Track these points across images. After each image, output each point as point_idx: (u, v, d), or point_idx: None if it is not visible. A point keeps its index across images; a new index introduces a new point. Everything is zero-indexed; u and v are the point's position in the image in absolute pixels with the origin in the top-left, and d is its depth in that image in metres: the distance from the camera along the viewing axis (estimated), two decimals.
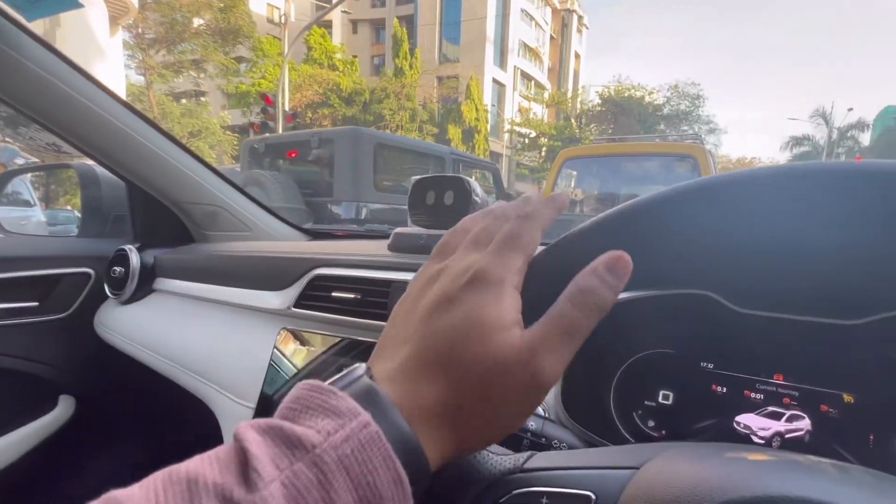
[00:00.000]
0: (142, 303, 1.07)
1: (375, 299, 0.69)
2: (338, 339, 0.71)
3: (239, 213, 1.26)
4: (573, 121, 23.00)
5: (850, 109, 35.13)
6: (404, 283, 0.69)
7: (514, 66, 26.88)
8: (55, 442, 1.07)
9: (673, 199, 0.31)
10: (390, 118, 18.16)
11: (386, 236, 1.53)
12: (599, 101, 22.14)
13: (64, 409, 1.10)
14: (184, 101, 19.76)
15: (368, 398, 0.22)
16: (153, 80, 15.74)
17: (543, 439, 0.41)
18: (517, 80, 27.21)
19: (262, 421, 0.21)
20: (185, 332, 0.94)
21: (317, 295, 0.75)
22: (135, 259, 1.06)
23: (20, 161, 5.53)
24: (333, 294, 0.72)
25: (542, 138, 22.63)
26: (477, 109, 20.53)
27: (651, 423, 0.50)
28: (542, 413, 0.54)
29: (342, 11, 22.00)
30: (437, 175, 0.73)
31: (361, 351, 0.69)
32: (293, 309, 0.77)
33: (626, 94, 21.21)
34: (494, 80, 25.23)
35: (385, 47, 23.93)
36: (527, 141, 23.78)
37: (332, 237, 1.44)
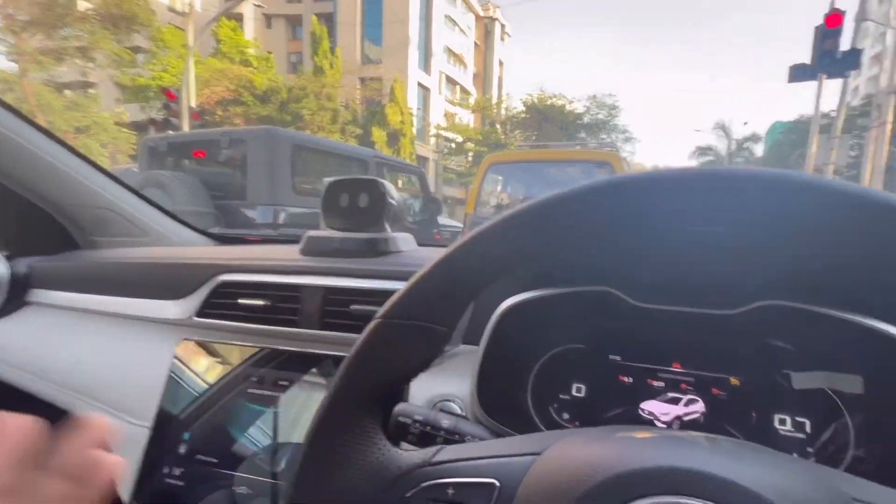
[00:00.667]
0: (13, 318, 0.96)
1: (286, 305, 0.68)
2: (250, 349, 0.69)
3: (132, 216, 1.17)
4: (498, 127, 23.82)
5: (746, 123, 39.73)
6: (316, 288, 0.69)
7: (440, 71, 27.34)
8: None
9: (570, 199, 0.34)
10: (310, 119, 17.64)
11: (299, 241, 1.50)
12: (524, 109, 23.14)
13: None
14: (68, 92, 17.84)
15: None
16: (28, 67, 14.04)
17: (457, 436, 0.43)
18: (442, 85, 27.69)
19: None
20: (68, 349, 0.86)
21: (222, 303, 0.73)
22: (2, 269, 0.95)
23: None
24: (240, 301, 0.70)
25: (469, 143, 23.18)
26: (402, 112, 20.58)
27: (566, 416, 0.55)
28: (458, 411, 0.57)
29: (254, 5, 21.13)
30: (350, 177, 0.74)
31: (274, 360, 0.68)
32: (195, 318, 0.74)
33: (548, 103, 22.35)
34: (419, 84, 25.48)
35: (303, 45, 23.26)
36: (454, 145, 24.23)
37: (243, 242, 1.38)
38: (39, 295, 0.96)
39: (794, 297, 0.45)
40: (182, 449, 0.65)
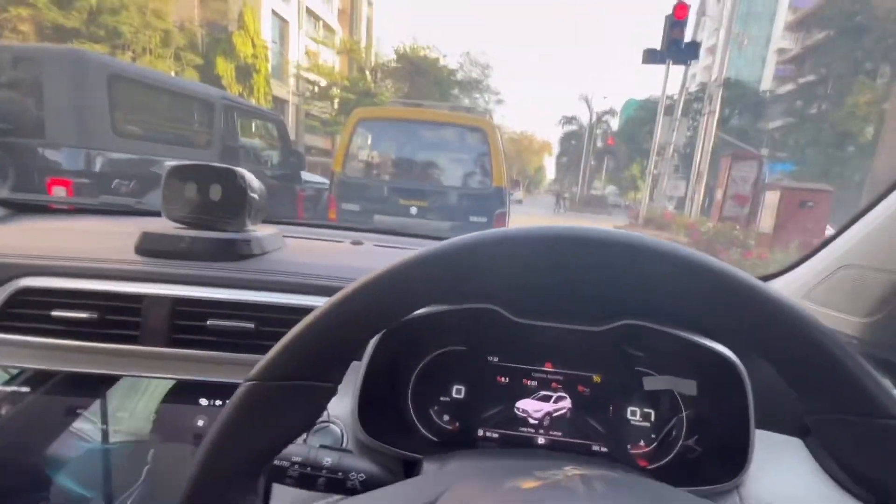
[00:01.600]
0: None
1: (121, 318, 0.60)
2: (67, 374, 0.59)
3: None
4: (368, 74, 23.00)
5: (605, 97, 44.51)
6: (162, 298, 0.61)
7: (299, 1, 25.20)
8: None
9: (475, 245, 0.37)
10: (132, 37, 15.03)
11: (131, 212, 1.31)
12: (395, 58, 22.61)
13: None
14: None
15: None
16: None
17: (339, 473, 0.43)
18: (302, 18, 25.60)
19: None
20: None
21: (24, 314, 0.60)
22: None
23: None
24: (54, 313, 0.59)
25: (335, 88, 22.04)
26: (254, 44, 18.62)
27: (446, 417, 0.60)
28: (338, 433, 0.57)
29: None
30: (197, 163, 0.66)
31: (91, 385, 0.59)
32: None
33: (421, 54, 22.15)
34: (274, 13, 23.20)
35: None
36: (317, 90, 22.83)
37: (48, 212, 1.16)
38: None
39: (647, 318, 0.55)
40: None
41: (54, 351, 0.61)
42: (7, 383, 0.60)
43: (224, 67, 17.51)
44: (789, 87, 25.24)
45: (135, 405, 0.60)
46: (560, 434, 0.59)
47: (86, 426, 0.58)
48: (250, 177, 0.68)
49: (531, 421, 0.59)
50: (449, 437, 0.59)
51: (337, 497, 0.40)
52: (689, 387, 0.59)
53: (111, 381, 0.60)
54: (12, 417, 0.59)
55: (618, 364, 0.60)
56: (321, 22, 27.88)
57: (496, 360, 0.61)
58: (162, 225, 0.68)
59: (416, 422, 0.59)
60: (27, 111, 3.82)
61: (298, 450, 0.45)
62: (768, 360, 0.34)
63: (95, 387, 0.60)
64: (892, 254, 0.65)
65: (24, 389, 0.59)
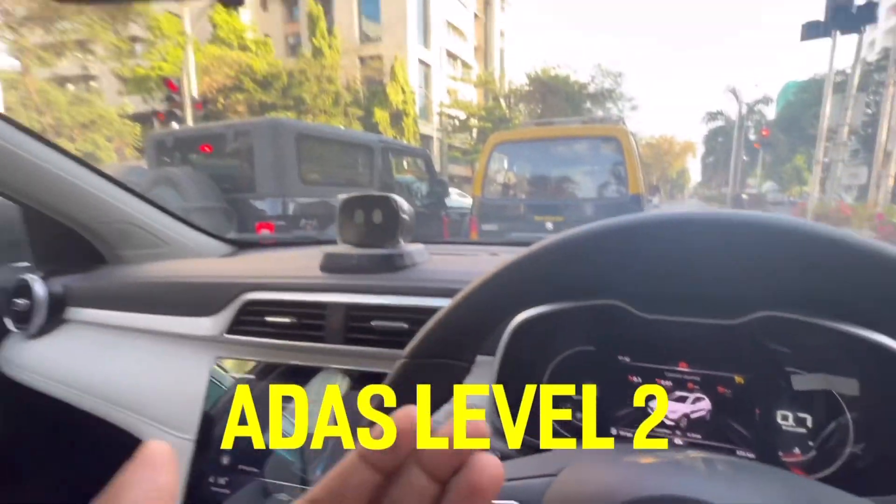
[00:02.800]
0: (53, 336, 1.02)
1: (311, 322, 0.73)
2: (281, 364, 0.74)
3: (153, 227, 1.22)
4: (502, 101, 23.43)
5: (757, 85, 38.73)
6: (339, 305, 0.73)
7: (440, 46, 26.80)
8: None
9: (599, 234, 0.38)
10: (312, 103, 17.49)
11: (315, 242, 1.54)
12: (527, 82, 22.70)
13: None
14: (70, 86, 17.83)
15: None
16: (30, 64, 14.03)
17: None
18: (443, 60, 27.17)
19: None
20: (107, 364, 0.92)
21: (250, 320, 0.77)
22: (40, 289, 1.01)
23: None
24: (268, 319, 0.75)
25: (473, 119, 22.87)
26: (404, 91, 20.29)
27: (578, 415, 0.58)
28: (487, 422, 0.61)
29: None
30: (364, 194, 0.78)
31: (303, 374, 0.72)
32: (226, 335, 0.78)
33: (552, 74, 21.89)
34: (420, 61, 25.02)
35: (300, 26, 22.87)
36: (457, 123, 23.92)
37: (259, 247, 1.43)
38: (75, 313, 1.02)
39: (792, 309, 0.47)
40: (225, 460, 0.71)
41: (269, 348, 0.76)
42: (240, 372, 0.77)
43: (380, 116, 19.36)
44: None
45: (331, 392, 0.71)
46: (699, 437, 0.53)
47: (290, 405, 0.71)
48: (401, 201, 0.78)
49: (666, 422, 0.55)
50: (581, 435, 0.56)
51: None
52: (849, 386, 0.49)
53: (315, 372, 0.72)
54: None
55: (761, 362, 0.52)
56: (459, 60, 29.27)
57: (627, 359, 0.57)
58: (339, 247, 0.81)
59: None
60: (243, 173, 4.70)
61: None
62: None
63: (302, 377, 0.73)
64: None
65: (251, 376, 0.75)
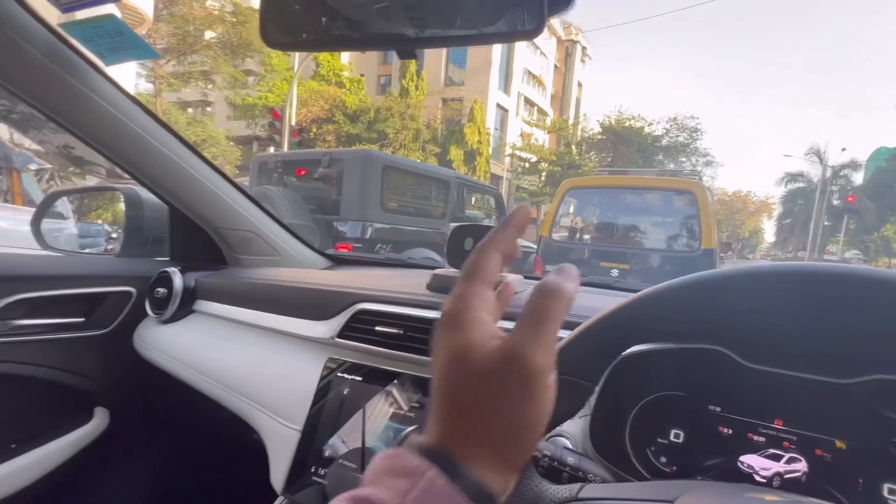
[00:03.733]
0: (181, 323, 1.14)
1: (417, 335, 0.76)
2: (383, 371, 0.78)
3: (270, 238, 1.34)
4: (573, 147, 23.37)
5: (844, 149, 36.06)
6: None
7: (518, 93, 27.41)
8: (89, 454, 1.13)
9: (719, 281, 0.39)
10: (394, 137, 18.40)
11: (403, 265, 1.61)
12: (600, 130, 22.56)
13: (99, 420, 1.15)
14: (190, 110, 20.01)
15: (430, 452, 0.25)
16: (162, 88, 15.96)
17: (581, 473, 0.47)
18: (520, 106, 27.71)
19: (352, 494, 0.25)
20: (227, 353, 1.01)
21: (359, 328, 0.82)
22: (178, 281, 1.13)
23: (33, 166, 5.61)
24: (377, 328, 0.80)
25: (543, 163, 22.95)
26: (479, 132, 20.85)
27: (663, 459, 0.55)
28: (569, 446, 0.61)
29: None
30: (474, 224, 0.82)
31: (407, 383, 0.76)
32: (337, 339, 0.84)
33: (626, 124, 21.63)
34: (498, 105, 25.68)
35: (392, 68, 24.39)
36: (527, 165, 24.10)
37: (354, 264, 1.52)
38: (203, 305, 1.13)
39: None
40: (327, 452, 0.75)
41: (376, 356, 0.81)
42: (347, 374, 0.82)
43: (455, 153, 19.96)
44: None
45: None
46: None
47: (397, 413, 0.74)
48: None
49: (757, 479, 0.50)
50: (666, 479, 0.54)
51: (579, 484, 0.44)
52: None
53: (418, 382, 0.76)
54: (347, 398, 0.79)
55: (869, 429, 0.47)
56: (535, 107, 29.73)
57: (718, 409, 0.53)
58: (447, 270, 0.85)
59: (632, 457, 0.55)
60: (329, 196, 5.00)
61: (547, 446, 0.49)
62: None
63: (407, 385, 0.76)
64: None
65: (358, 379, 0.80)
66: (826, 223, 30.89)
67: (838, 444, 0.49)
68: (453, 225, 0.82)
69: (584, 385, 0.42)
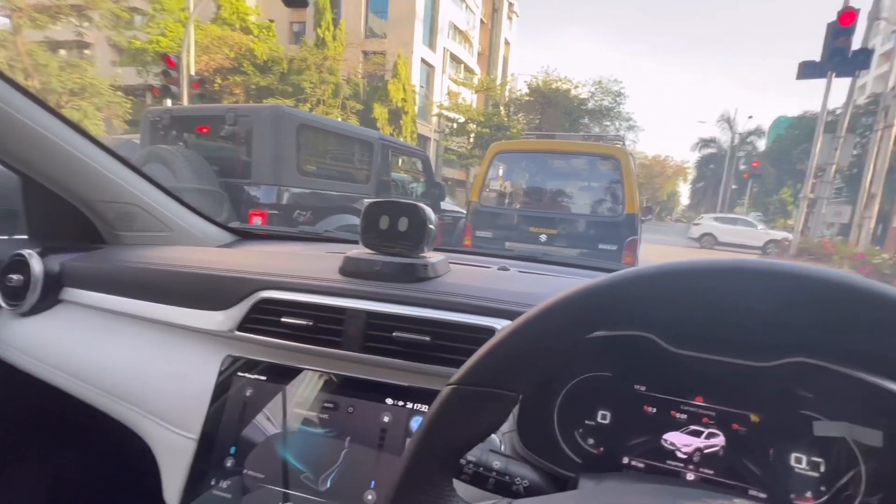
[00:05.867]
0: (46, 316, 0.98)
1: (328, 326, 0.71)
2: (291, 368, 0.72)
3: (159, 212, 1.19)
4: (502, 108, 23.55)
5: (751, 117, 39.78)
6: (359, 312, 0.71)
7: (444, 48, 26.84)
8: None
9: (653, 276, 0.38)
10: (311, 91, 17.37)
11: (318, 238, 1.51)
12: (528, 91, 22.86)
13: None
14: (63, 52, 17.45)
15: None
16: (22, 24, 13.68)
17: (507, 477, 0.46)
18: (447, 63, 27.23)
19: None
20: (104, 351, 0.89)
21: (263, 318, 0.75)
22: (37, 266, 0.97)
23: None
24: (283, 319, 0.73)
25: (471, 124, 22.92)
26: (405, 89, 20.25)
27: (591, 441, 0.58)
28: (497, 444, 0.60)
29: None
30: (391, 200, 0.76)
31: (318, 381, 0.71)
32: (237, 332, 0.76)
33: (553, 86, 22.08)
34: (423, 61, 25.03)
35: (306, 14, 22.72)
36: (455, 126, 23.96)
37: (261, 238, 1.40)
38: (72, 294, 0.98)
39: (825, 358, 0.47)
40: (229, 462, 0.69)
41: (282, 350, 0.74)
42: (250, 372, 0.74)
43: (379, 112, 19.31)
44: None
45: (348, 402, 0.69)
46: (712, 472, 0.53)
47: (309, 415, 0.69)
48: (429, 211, 0.76)
49: (679, 455, 0.55)
50: (593, 461, 0.56)
51: (506, 500, 0.43)
52: (872, 437, 0.50)
53: (331, 379, 0.70)
54: (254, 401, 0.72)
55: (781, 404, 0.53)
56: (462, 65, 29.37)
57: (643, 388, 0.57)
58: (361, 252, 0.79)
59: (560, 441, 0.58)
60: (239, 157, 4.63)
61: (472, 451, 0.48)
62: None
63: (317, 382, 0.70)
64: None
65: (262, 378, 0.73)
66: (734, 187, 34.23)
67: (753, 417, 0.53)
68: (367, 200, 0.76)
69: (509, 396, 0.39)
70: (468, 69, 29.89)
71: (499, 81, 27.17)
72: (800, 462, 0.52)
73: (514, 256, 1.31)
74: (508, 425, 0.57)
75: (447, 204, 7.41)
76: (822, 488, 0.51)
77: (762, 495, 0.52)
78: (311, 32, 20.19)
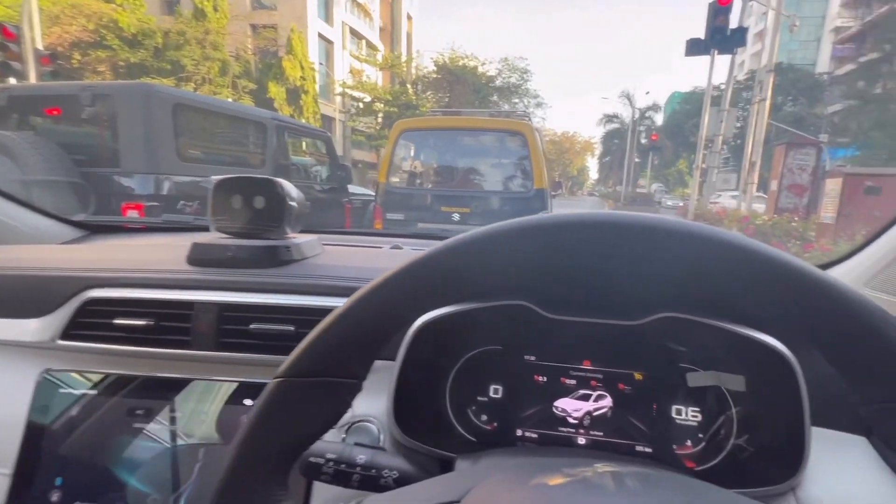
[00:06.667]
0: None
1: (174, 324, 0.63)
2: (128, 377, 0.63)
3: None
4: (409, 87, 23.35)
5: (647, 93, 43.18)
6: (209, 305, 0.64)
7: (343, 22, 25.94)
8: None
9: (506, 233, 0.36)
10: (193, 69, 15.98)
11: (187, 228, 1.38)
12: (435, 69, 22.84)
13: None
14: None
15: None
16: None
17: (373, 471, 0.44)
18: (346, 38, 26.36)
19: None
20: None
21: (93, 322, 0.65)
22: None
23: None
24: (116, 321, 0.63)
25: (378, 103, 22.50)
26: (302, 66, 19.30)
27: (484, 417, 0.58)
28: (375, 432, 0.58)
29: None
30: (242, 176, 0.69)
31: (158, 390, 0.62)
32: (60, 342, 0.65)
33: (460, 63, 22.25)
34: (320, 36, 24.02)
35: None
36: (361, 105, 23.38)
37: (117, 231, 1.24)
38: None
39: (688, 310, 0.51)
40: (55, 497, 0.59)
41: (118, 357, 0.65)
42: (81, 388, 0.64)
43: (276, 91, 18.26)
44: (849, 67, 23.41)
45: (203, 408, 0.63)
46: (601, 434, 0.56)
47: (153, 428, 0.61)
48: (289, 186, 0.70)
49: (571, 420, 0.57)
50: (487, 437, 0.57)
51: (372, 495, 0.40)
52: (736, 382, 0.54)
53: (178, 385, 0.63)
54: (84, 420, 0.63)
55: (660, 360, 0.57)
56: (364, 41, 28.61)
57: (533, 358, 0.59)
58: (211, 236, 0.71)
59: (453, 421, 0.58)
60: (105, 143, 4.14)
61: (333, 447, 0.45)
62: (819, 348, 0.32)
63: (161, 391, 0.63)
64: None
65: (93, 392, 0.63)
66: (637, 160, 37.06)
67: (637, 375, 0.57)
68: (214, 178, 0.68)
69: (346, 384, 0.36)
70: (371, 45, 29.19)
71: (404, 58, 26.83)
72: (680, 414, 0.56)
73: (416, 235, 1.28)
74: (384, 409, 0.55)
75: (355, 187, 7.24)
76: (700, 435, 0.55)
77: (648, 450, 0.55)
78: (187, 3, 18.47)
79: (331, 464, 0.44)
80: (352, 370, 0.37)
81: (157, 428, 0.61)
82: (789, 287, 0.31)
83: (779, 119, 19.04)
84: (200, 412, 0.62)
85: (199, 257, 0.70)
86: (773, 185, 9.85)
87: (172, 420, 0.61)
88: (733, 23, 9.68)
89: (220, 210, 0.70)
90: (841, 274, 0.82)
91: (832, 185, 7.44)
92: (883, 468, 0.51)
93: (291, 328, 0.62)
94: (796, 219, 8.08)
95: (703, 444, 0.55)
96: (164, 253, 0.78)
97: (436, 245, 0.36)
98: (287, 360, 0.36)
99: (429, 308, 0.37)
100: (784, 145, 9.80)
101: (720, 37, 9.61)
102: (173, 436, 0.60)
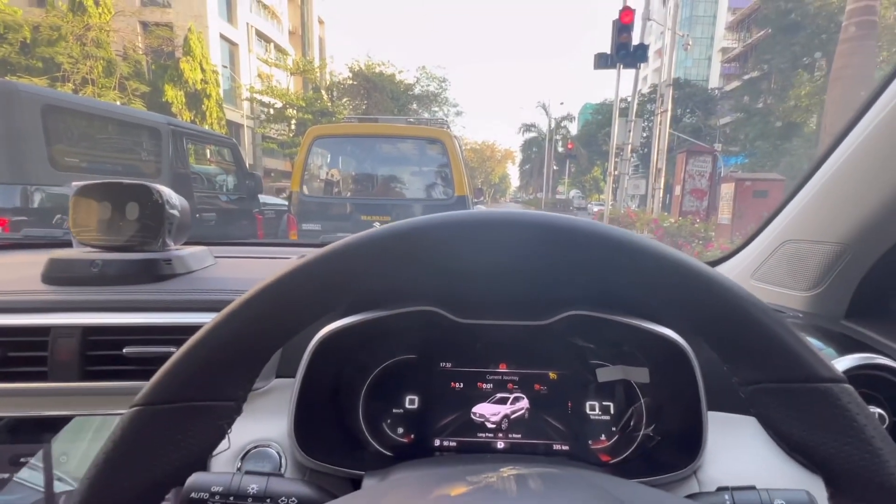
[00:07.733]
0: None
1: (27, 354, 0.55)
2: None
3: None
4: (324, 93, 22.91)
5: (562, 103, 45.80)
6: (71, 329, 0.56)
7: (248, 24, 25.00)
8: None
9: (406, 234, 0.35)
10: (71, 68, 14.57)
11: (54, 245, 1.24)
12: (350, 75, 22.62)
13: None
14: None
15: None
16: None
17: (268, 500, 0.40)
18: (252, 40, 25.40)
19: None
20: None
21: None
22: None
23: None
24: None
25: (291, 109, 21.84)
26: (203, 69, 18.28)
27: (400, 430, 0.58)
28: (276, 457, 0.53)
29: None
30: (110, 181, 0.62)
31: (32, 431, 0.54)
32: None
33: (376, 70, 22.22)
34: (223, 37, 22.95)
35: None
36: (272, 111, 22.57)
37: None
38: None
39: (593, 307, 0.53)
40: None
41: None
42: None
43: (173, 94, 17.12)
44: (735, 83, 26.37)
45: (81, 447, 0.55)
46: (519, 436, 0.57)
47: (29, 474, 0.53)
48: (169, 192, 0.64)
49: (489, 425, 0.58)
50: (404, 450, 0.56)
51: None
52: (641, 374, 0.58)
53: (55, 424, 0.55)
54: None
55: (571, 358, 0.59)
56: (272, 44, 27.73)
57: (449, 365, 0.59)
58: (72, 251, 0.63)
59: (368, 437, 0.57)
60: None
61: (220, 479, 0.41)
62: (703, 336, 0.34)
63: (35, 432, 0.55)
64: (825, 224, 0.67)
65: None
66: (555, 167, 39.10)
67: (551, 375, 0.59)
68: (76, 184, 0.60)
69: (220, 407, 0.33)
70: (280, 49, 28.35)
71: (317, 63, 26.31)
72: (594, 409, 0.58)
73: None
74: (285, 430, 0.51)
75: (268, 197, 6.96)
76: (613, 429, 0.58)
77: (565, 448, 0.57)
78: None
79: (217, 497, 0.40)
80: (226, 392, 0.33)
81: (34, 475, 0.53)
82: (679, 282, 0.33)
83: (679, 129, 21.02)
84: (72, 453, 0.55)
85: (57, 275, 0.62)
86: (677, 190, 10.82)
87: (47, 465, 0.53)
88: (636, 40, 10.53)
89: (85, 220, 0.62)
90: (731, 268, 0.90)
91: (727, 190, 8.34)
92: (770, 443, 0.56)
93: (174, 349, 0.56)
94: (698, 220, 8.92)
95: (616, 437, 0.58)
96: (16, 272, 0.68)
97: (314, 252, 0.34)
98: (146, 386, 0.32)
99: (312, 319, 0.35)
100: (685, 152, 10.82)
101: (624, 52, 10.43)
102: (18, 489, 0.52)
